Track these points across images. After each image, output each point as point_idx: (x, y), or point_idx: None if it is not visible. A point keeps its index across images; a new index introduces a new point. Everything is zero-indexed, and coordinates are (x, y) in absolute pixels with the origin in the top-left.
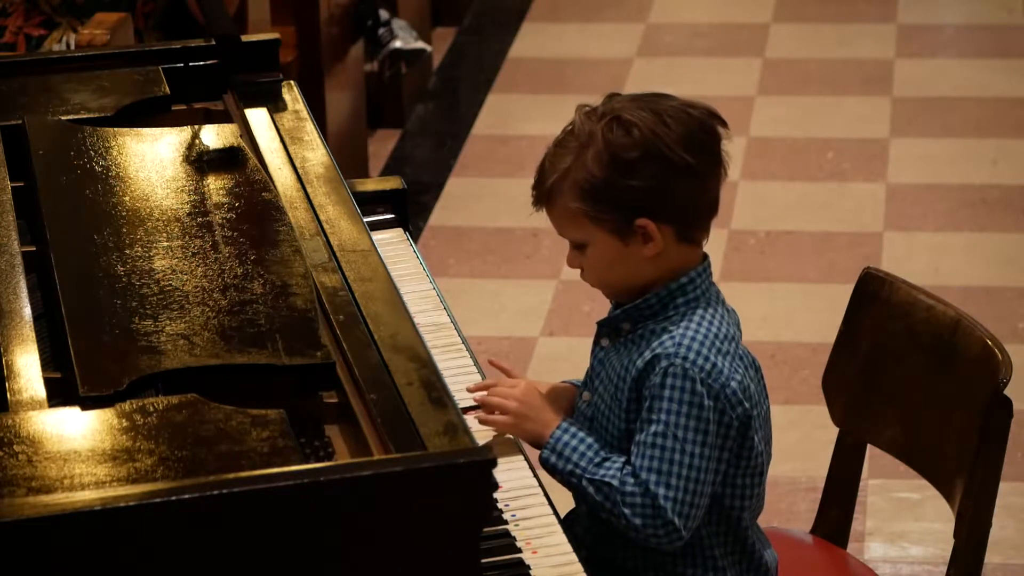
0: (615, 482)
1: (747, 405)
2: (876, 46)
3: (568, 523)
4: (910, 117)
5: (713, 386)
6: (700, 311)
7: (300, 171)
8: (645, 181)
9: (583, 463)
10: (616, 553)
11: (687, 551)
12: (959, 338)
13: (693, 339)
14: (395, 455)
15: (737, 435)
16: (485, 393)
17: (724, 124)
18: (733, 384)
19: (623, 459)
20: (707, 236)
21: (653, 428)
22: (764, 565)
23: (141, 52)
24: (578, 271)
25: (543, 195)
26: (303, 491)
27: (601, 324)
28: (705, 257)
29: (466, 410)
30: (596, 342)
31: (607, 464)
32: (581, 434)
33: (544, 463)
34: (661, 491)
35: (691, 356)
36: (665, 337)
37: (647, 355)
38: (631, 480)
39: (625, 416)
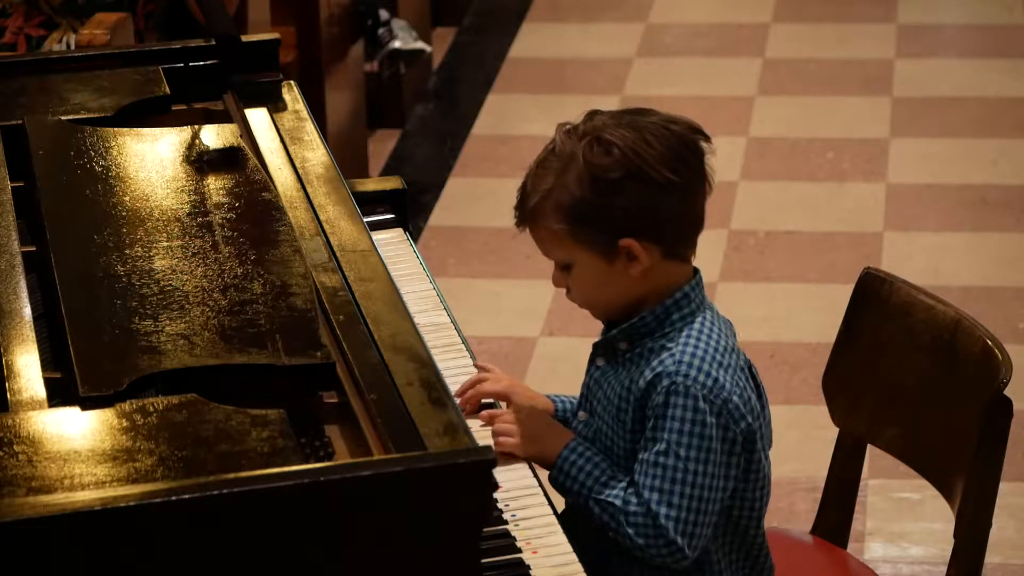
0: (618, 502)
1: (750, 419)
2: (876, 46)
3: (565, 520)
4: (910, 117)
5: (715, 402)
6: (698, 324)
7: (300, 171)
8: (628, 201)
9: (589, 482)
10: (622, 570)
11: (694, 566)
12: (959, 338)
13: (693, 355)
14: (395, 455)
15: (743, 451)
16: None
17: (707, 139)
18: (735, 399)
19: (628, 479)
20: (694, 251)
21: (656, 447)
22: (769, 565)
23: (141, 52)
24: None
25: (526, 216)
26: (303, 491)
27: (597, 345)
28: (697, 271)
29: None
30: (591, 362)
31: (612, 483)
32: (588, 453)
33: (553, 482)
34: (663, 510)
35: (692, 373)
36: (665, 355)
37: (648, 374)
38: (634, 500)
39: (630, 437)
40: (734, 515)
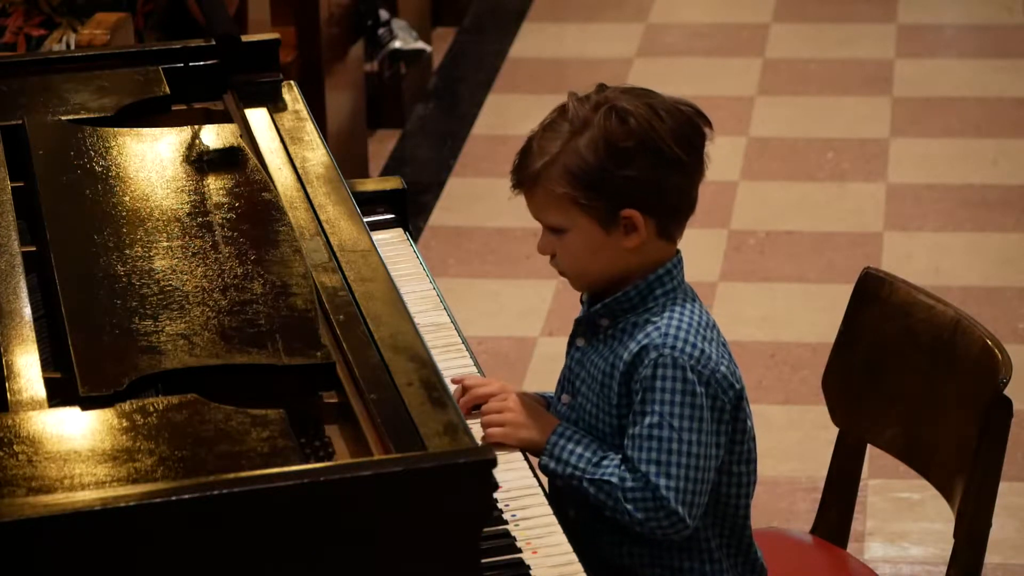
0: (614, 479)
1: (737, 387)
2: (876, 46)
3: (551, 499)
4: (910, 117)
5: (703, 372)
6: (680, 301)
7: (300, 171)
8: (637, 171)
9: (581, 464)
10: (612, 550)
11: (684, 544)
12: (959, 338)
13: (679, 327)
14: (395, 455)
15: (730, 419)
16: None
17: (709, 124)
18: (722, 368)
19: (619, 456)
20: (681, 234)
21: (648, 420)
22: (760, 563)
23: (141, 52)
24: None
25: (527, 178)
26: (303, 491)
27: (579, 321)
28: (677, 251)
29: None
30: (571, 344)
31: (605, 463)
32: (576, 436)
33: (544, 469)
34: (662, 482)
35: (679, 345)
36: (650, 328)
37: (634, 348)
38: (630, 475)
39: (616, 412)
40: (723, 492)
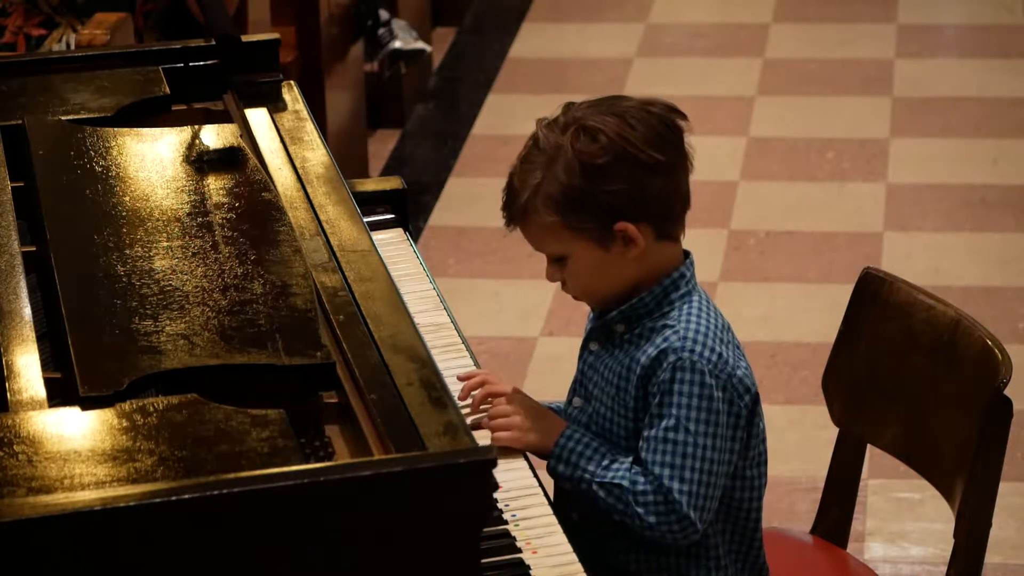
0: (625, 483)
1: (753, 391)
2: (876, 46)
3: (556, 506)
4: (910, 117)
5: (720, 377)
6: (696, 303)
7: (300, 171)
8: (618, 185)
9: (591, 467)
10: (618, 556)
11: (690, 550)
12: (959, 338)
13: (697, 331)
14: (395, 455)
15: (745, 423)
16: (477, 389)
17: (684, 117)
18: (739, 372)
19: (630, 459)
20: (683, 230)
21: (664, 423)
22: (766, 569)
23: (141, 52)
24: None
25: (517, 214)
26: (303, 491)
27: (593, 330)
28: (688, 253)
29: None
30: (584, 347)
31: (615, 466)
32: (586, 439)
33: (552, 472)
34: (676, 485)
35: (698, 349)
36: (669, 332)
37: (652, 352)
38: (642, 478)
39: (633, 416)
40: (735, 496)
